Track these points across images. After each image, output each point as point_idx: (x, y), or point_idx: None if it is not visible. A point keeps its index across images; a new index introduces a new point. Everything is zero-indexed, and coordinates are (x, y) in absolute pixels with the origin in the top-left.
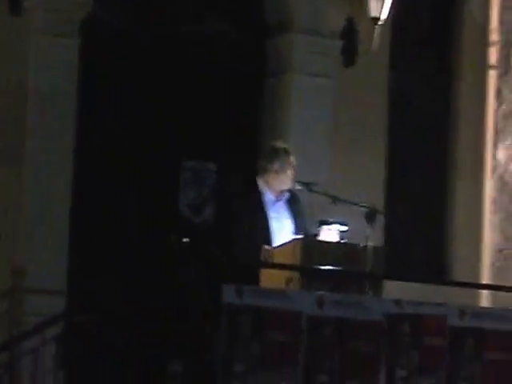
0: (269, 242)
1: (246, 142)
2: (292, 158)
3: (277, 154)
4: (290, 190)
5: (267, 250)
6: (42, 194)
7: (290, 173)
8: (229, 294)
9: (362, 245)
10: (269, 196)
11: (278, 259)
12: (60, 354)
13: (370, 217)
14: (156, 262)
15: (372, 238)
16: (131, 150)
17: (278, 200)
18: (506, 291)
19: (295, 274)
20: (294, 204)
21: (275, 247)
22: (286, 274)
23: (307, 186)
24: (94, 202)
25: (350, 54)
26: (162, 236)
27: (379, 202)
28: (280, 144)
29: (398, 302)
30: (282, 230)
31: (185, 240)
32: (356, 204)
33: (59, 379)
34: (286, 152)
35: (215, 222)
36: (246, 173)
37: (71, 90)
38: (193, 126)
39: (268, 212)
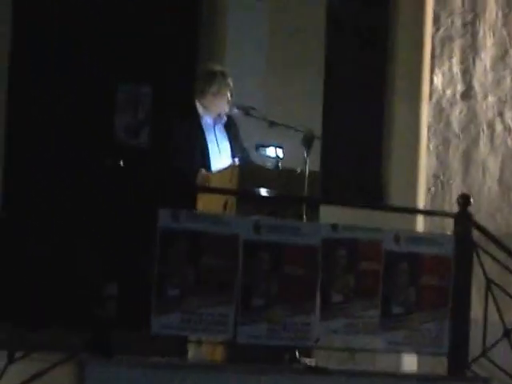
0: (207, 166)
1: (183, 64)
2: (229, 81)
3: (214, 76)
4: (226, 115)
5: (204, 174)
6: None
7: (227, 96)
8: (165, 218)
9: (298, 169)
10: (207, 120)
11: (214, 184)
12: None
13: (307, 141)
14: (91, 186)
15: (309, 162)
16: (64, 71)
17: (215, 124)
18: (440, 216)
19: (232, 199)
20: (231, 128)
21: (212, 171)
22: (222, 199)
23: (245, 109)
24: (31, 123)
25: None
26: (99, 161)
27: (316, 126)
28: (217, 67)
29: (334, 227)
30: (220, 154)
31: (121, 163)
32: (293, 128)
33: None
34: (223, 75)
35: (151, 145)
36: (182, 96)
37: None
38: (129, 48)
39: (206, 136)
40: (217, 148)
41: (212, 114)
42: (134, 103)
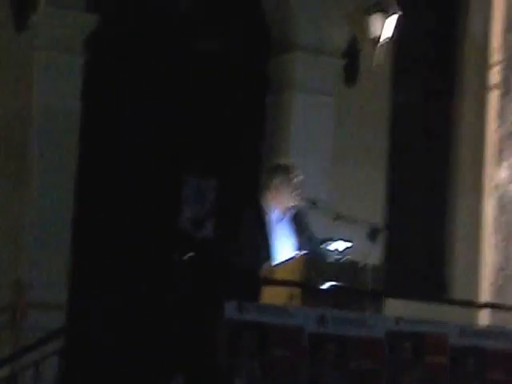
0: (268, 259)
1: (248, 158)
2: (293, 174)
3: (276, 170)
4: (295, 208)
5: (269, 266)
6: (45, 208)
7: (290, 189)
8: (230, 309)
9: (362, 263)
10: (274, 213)
11: (279, 276)
12: (61, 369)
13: (373, 235)
14: (158, 279)
15: (373, 255)
16: (134, 165)
17: (282, 218)
18: (505, 310)
19: (297, 291)
20: (298, 221)
21: (277, 264)
22: (287, 291)
23: (310, 202)
24: (95, 217)
25: (352, 73)
26: (164, 252)
27: (380, 219)
28: (281, 161)
29: (398, 320)
30: (284, 247)
31: (189, 255)
32: (358, 221)
33: None
34: (286, 168)
35: (216, 237)
36: (246, 189)
37: (75, 107)
38: (195, 142)
39: (271, 229)
40: (281, 241)
41: (278, 207)
42: (200, 195)
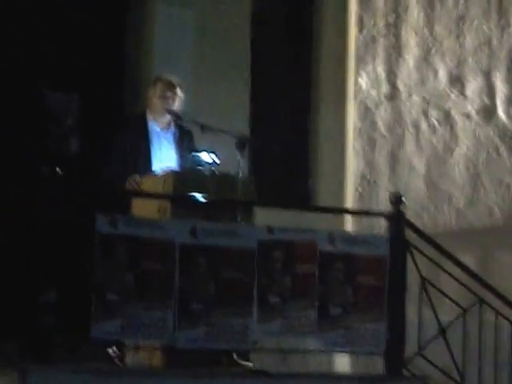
0: (149, 171)
1: (110, 72)
2: (170, 90)
3: (155, 82)
4: (179, 126)
5: (136, 178)
6: None
7: (163, 102)
8: (102, 223)
9: (232, 173)
10: (153, 127)
11: (147, 188)
12: None
13: (241, 145)
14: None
15: (241, 166)
16: None
17: (163, 132)
18: (373, 216)
19: (167, 204)
20: (182, 139)
21: (145, 176)
22: (156, 204)
23: (176, 114)
24: None
25: None
26: (31, 169)
27: (245, 129)
28: (162, 75)
29: (270, 229)
30: (162, 161)
31: (58, 170)
32: (225, 132)
33: None
34: (162, 81)
35: (82, 152)
36: (109, 102)
37: None
38: (55, 56)
39: (151, 142)
40: (159, 154)
41: (155, 120)
42: (62, 110)
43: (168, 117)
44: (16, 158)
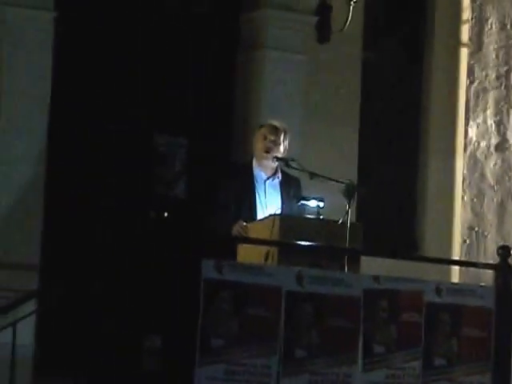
0: (252, 218)
1: (219, 117)
2: (277, 136)
3: (260, 129)
4: (286, 173)
5: (242, 224)
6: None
7: (270, 148)
8: (208, 269)
9: (340, 220)
10: (259, 174)
11: (254, 234)
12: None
13: (349, 192)
14: (134, 238)
15: (351, 213)
16: (104, 125)
17: (269, 179)
18: (481, 268)
19: (273, 250)
20: (289, 186)
21: (252, 222)
22: (263, 250)
23: (284, 161)
24: (68, 178)
25: (324, 31)
26: (139, 212)
27: (353, 177)
28: (270, 121)
29: (376, 278)
30: (266, 208)
31: (165, 215)
32: (333, 179)
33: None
34: (269, 127)
35: (189, 197)
36: (218, 148)
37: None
38: (166, 102)
39: (254, 188)
40: (265, 201)
41: (260, 167)
42: (171, 155)
43: (275, 164)
44: (125, 201)
